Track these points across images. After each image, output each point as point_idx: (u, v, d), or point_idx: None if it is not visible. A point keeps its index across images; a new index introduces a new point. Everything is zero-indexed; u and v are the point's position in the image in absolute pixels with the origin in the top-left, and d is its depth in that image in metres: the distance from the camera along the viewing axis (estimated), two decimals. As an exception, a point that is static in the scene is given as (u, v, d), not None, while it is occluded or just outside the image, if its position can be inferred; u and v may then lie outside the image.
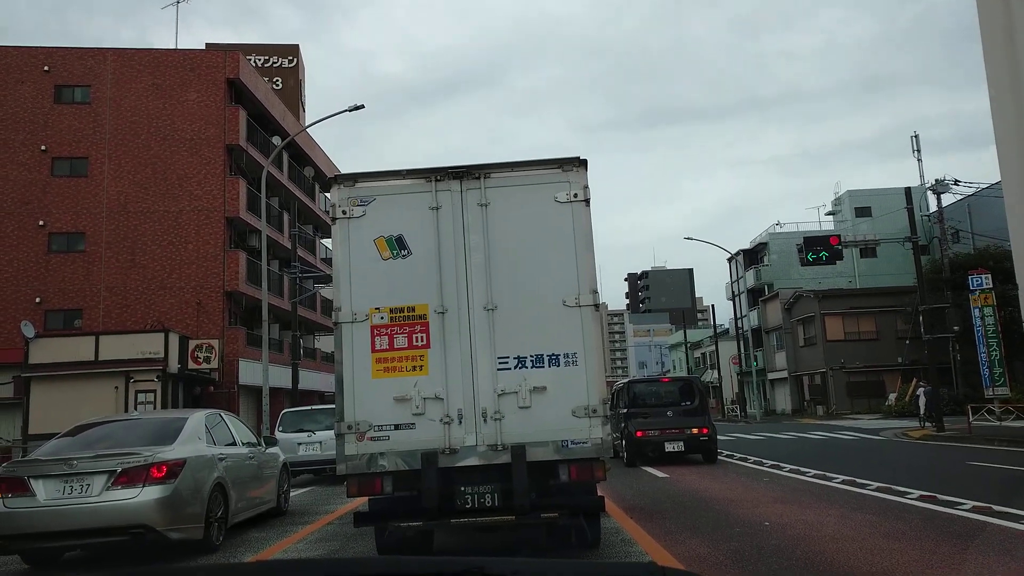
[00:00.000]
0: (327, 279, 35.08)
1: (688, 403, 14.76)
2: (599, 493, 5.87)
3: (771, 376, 47.32)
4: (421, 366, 5.60)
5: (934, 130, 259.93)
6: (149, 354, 24.30)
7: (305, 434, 13.87)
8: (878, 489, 9.21)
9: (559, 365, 5.55)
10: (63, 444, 7.15)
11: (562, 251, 5.69)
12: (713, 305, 47.48)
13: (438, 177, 5.85)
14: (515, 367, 5.57)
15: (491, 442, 5.48)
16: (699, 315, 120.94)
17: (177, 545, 6.59)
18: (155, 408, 23.95)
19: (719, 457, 14.64)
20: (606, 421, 5.56)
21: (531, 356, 5.57)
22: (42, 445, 7.52)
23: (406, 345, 5.63)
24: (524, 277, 5.69)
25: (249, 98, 31.06)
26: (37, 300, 27.65)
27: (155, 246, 28.89)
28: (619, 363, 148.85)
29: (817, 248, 21.68)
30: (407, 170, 5.94)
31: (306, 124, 39.84)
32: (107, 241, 28.58)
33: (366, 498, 5.78)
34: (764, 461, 13.87)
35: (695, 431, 14.13)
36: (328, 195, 39.92)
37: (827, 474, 11.02)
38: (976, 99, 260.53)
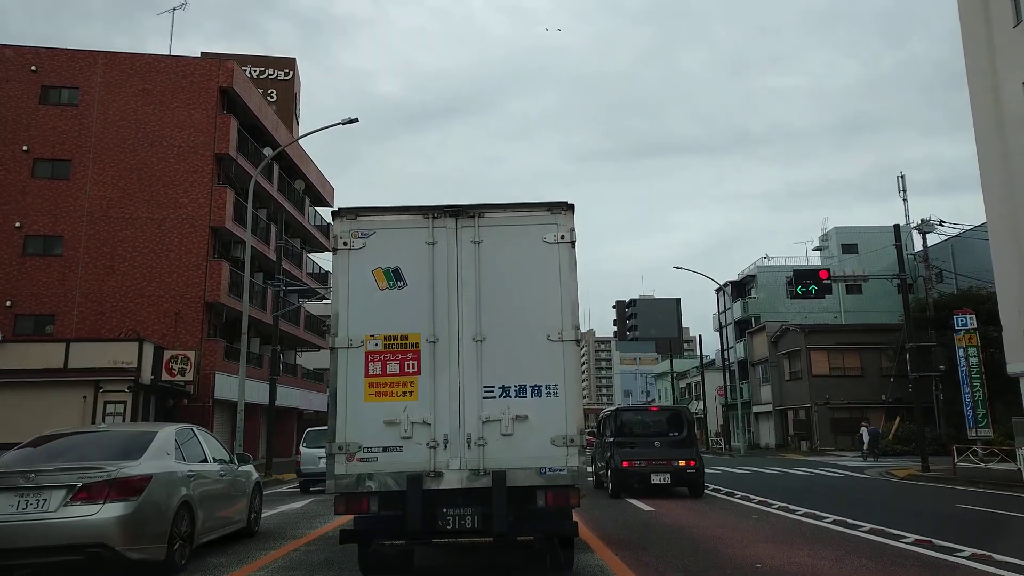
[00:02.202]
0: (312, 293, 34.59)
1: (676, 434, 14.38)
2: (574, 519, 6.09)
3: (756, 409, 47.08)
4: (411, 392, 5.83)
5: (915, 173, 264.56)
6: (121, 364, 23.63)
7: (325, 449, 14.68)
8: (871, 531, 8.87)
9: (541, 396, 5.82)
10: (23, 456, 6.85)
11: (548, 288, 5.99)
12: (700, 335, 47.38)
13: (435, 214, 6.14)
14: (500, 396, 5.82)
15: (474, 467, 5.71)
16: (685, 345, 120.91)
17: (137, 565, 6.26)
18: (124, 420, 23.21)
19: (705, 491, 14.25)
20: (582, 450, 5.82)
21: (515, 386, 5.84)
22: (1, 456, 7.13)
23: (398, 371, 5.87)
24: (512, 311, 5.96)
25: (241, 108, 30.78)
26: (8, 303, 26.92)
27: (136, 253, 28.31)
28: (605, 391, 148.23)
29: (807, 281, 21.56)
30: (407, 207, 6.22)
31: (299, 138, 39.61)
32: (86, 246, 27.99)
33: (351, 516, 5.95)
34: (752, 497, 13.49)
35: (682, 463, 13.74)
36: (318, 209, 39.48)
37: (817, 513, 10.67)
38: (956, 145, 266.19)
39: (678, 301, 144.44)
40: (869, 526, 9.19)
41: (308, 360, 45.93)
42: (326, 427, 6.11)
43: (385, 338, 5.90)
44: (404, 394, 5.82)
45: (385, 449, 5.73)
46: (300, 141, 40.68)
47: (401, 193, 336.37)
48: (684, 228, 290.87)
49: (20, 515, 6.02)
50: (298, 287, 29.39)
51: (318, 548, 8.19)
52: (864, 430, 30.34)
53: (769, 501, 12.62)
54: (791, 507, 11.58)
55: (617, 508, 12.08)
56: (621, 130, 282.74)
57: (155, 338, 26.67)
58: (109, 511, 6.06)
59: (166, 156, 28.83)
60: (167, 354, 24.63)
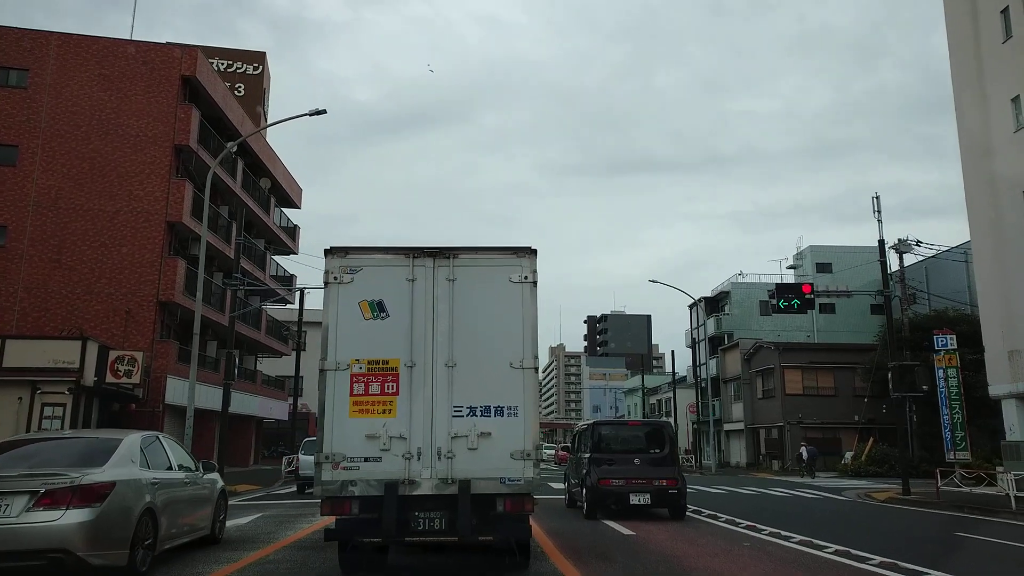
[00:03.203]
0: (271, 294, 33.05)
1: (657, 451, 13.39)
2: (530, 523, 6.92)
3: (727, 427, 46.47)
4: (390, 410, 6.54)
5: (882, 197, 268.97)
6: (62, 363, 21.95)
7: None
8: (883, 565, 7.92)
9: (503, 416, 6.57)
10: None
11: (512, 322, 6.75)
12: (673, 351, 46.66)
13: (415, 255, 6.92)
14: (467, 415, 6.56)
15: (442, 476, 6.45)
16: (655, 362, 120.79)
17: (99, 571, 6.33)
18: (63, 425, 21.56)
19: (686, 513, 13.26)
20: (537, 463, 6.62)
21: (481, 407, 6.58)
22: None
23: (379, 392, 6.59)
24: (480, 341, 6.71)
25: (205, 99, 29.34)
26: (-60, 295, 25.00)
27: (85, 247, 26.64)
28: (573, 405, 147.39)
29: (789, 295, 20.87)
30: (390, 247, 7.05)
31: (265, 130, 38.16)
32: (31, 237, 26.24)
33: (318, 524, 7.11)
34: (737, 520, 12.53)
35: (664, 483, 12.75)
36: (284, 210, 37.74)
37: (814, 541, 9.71)
38: (923, 171, 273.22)
39: (648, 318, 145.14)
40: (879, 559, 8.24)
41: (270, 367, 44.13)
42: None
43: (368, 362, 6.62)
44: (384, 412, 6.54)
45: (366, 459, 6.44)
46: (268, 140, 39.25)
47: (375, 201, 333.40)
48: (654, 245, 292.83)
49: None
50: (258, 288, 27.89)
51: (265, 572, 7.07)
52: (803, 449, 32.83)
53: (757, 525, 11.67)
54: (783, 533, 10.64)
55: (594, 531, 11.04)
56: (594, 146, 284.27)
57: (104, 338, 24.98)
58: (72, 517, 6.13)
59: (122, 145, 27.26)
60: (112, 354, 22.94)
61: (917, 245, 33.72)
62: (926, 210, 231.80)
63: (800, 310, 21.03)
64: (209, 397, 27.59)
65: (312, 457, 15.79)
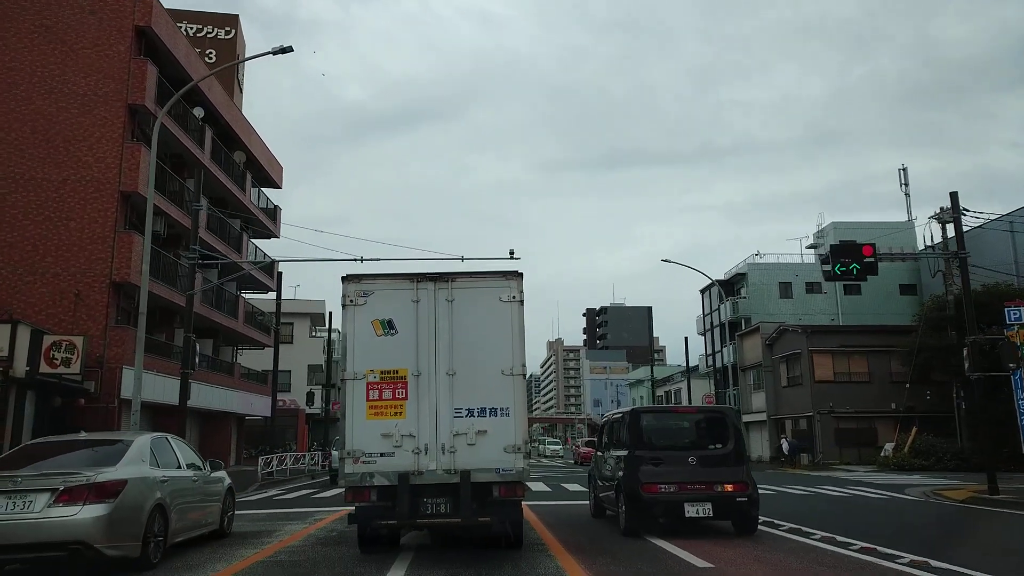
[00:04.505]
0: (235, 268, 29.70)
1: (718, 446, 10.08)
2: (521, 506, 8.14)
3: (746, 418, 43.18)
4: (400, 412, 7.81)
5: (879, 187, 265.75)
6: (-13, 351, 18.61)
7: None
8: None
9: (496, 416, 7.80)
10: (9, 462, 7.41)
11: (502, 335, 7.98)
12: (687, 337, 43.29)
13: (419, 280, 8.15)
14: (466, 416, 7.80)
15: (446, 468, 7.68)
16: (656, 355, 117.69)
17: (115, 562, 6.79)
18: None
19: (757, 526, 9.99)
20: (527, 455, 7.75)
21: (477, 408, 7.81)
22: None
23: (391, 397, 7.85)
24: (475, 352, 7.92)
25: (165, 55, 25.93)
26: None
27: (27, 221, 23.32)
28: (573, 400, 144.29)
29: (846, 260, 17.63)
30: (398, 274, 8.33)
31: (242, 104, 34.72)
32: (-36, 211, 22.88)
33: (351, 508, 8.05)
34: (835, 537, 9.23)
35: (729, 488, 9.47)
36: (264, 190, 33.95)
37: (997, 579, 6.47)
38: (922, 159, 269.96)
39: (649, 309, 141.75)
40: None
41: (256, 361, 40.88)
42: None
43: (381, 372, 7.91)
44: (395, 414, 7.82)
45: (382, 455, 7.69)
46: (245, 113, 35.89)
47: (367, 201, 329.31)
48: (650, 239, 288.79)
49: (8, 515, 6.62)
50: (221, 260, 24.47)
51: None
52: (784, 442, 33.82)
53: (876, 547, 8.37)
54: (932, 563, 7.35)
55: (645, 558, 7.82)
56: (588, 141, 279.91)
57: (50, 324, 21.68)
58: (89, 512, 6.68)
59: (68, 106, 23.89)
60: (47, 340, 19.58)
61: (963, 214, 30.54)
62: (927, 198, 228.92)
63: (860, 276, 17.82)
64: (173, 390, 24.27)
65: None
